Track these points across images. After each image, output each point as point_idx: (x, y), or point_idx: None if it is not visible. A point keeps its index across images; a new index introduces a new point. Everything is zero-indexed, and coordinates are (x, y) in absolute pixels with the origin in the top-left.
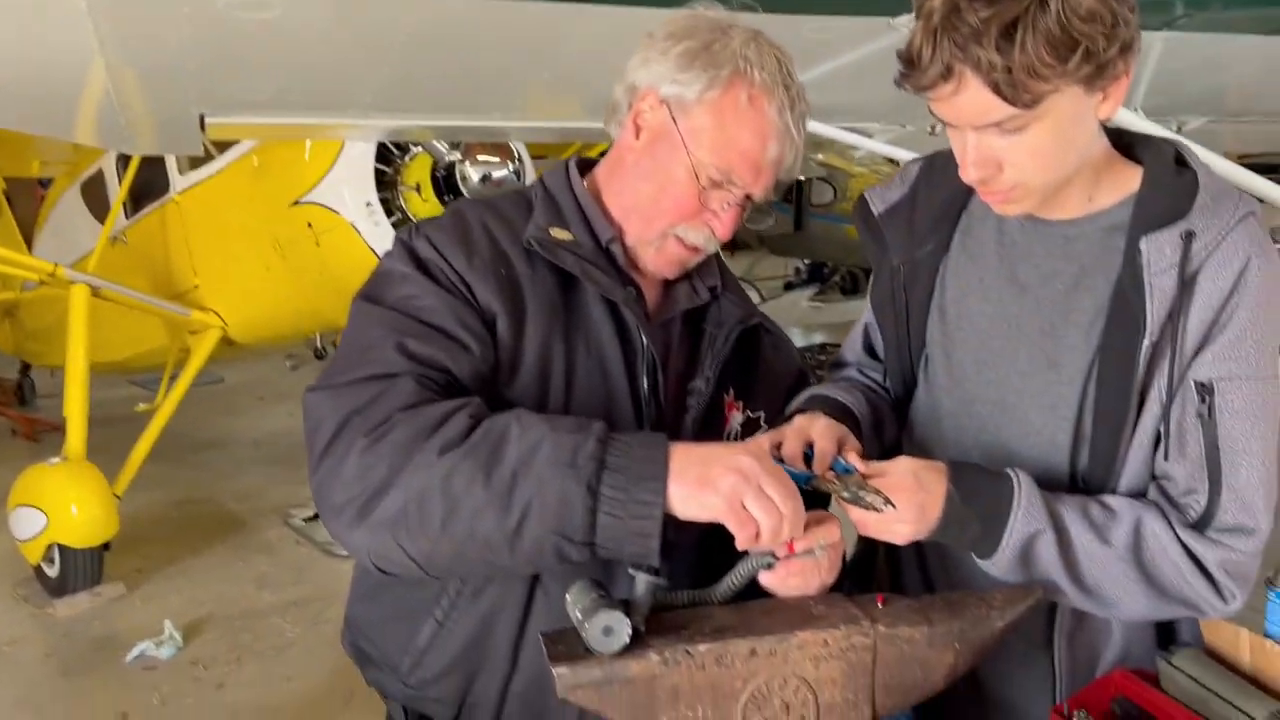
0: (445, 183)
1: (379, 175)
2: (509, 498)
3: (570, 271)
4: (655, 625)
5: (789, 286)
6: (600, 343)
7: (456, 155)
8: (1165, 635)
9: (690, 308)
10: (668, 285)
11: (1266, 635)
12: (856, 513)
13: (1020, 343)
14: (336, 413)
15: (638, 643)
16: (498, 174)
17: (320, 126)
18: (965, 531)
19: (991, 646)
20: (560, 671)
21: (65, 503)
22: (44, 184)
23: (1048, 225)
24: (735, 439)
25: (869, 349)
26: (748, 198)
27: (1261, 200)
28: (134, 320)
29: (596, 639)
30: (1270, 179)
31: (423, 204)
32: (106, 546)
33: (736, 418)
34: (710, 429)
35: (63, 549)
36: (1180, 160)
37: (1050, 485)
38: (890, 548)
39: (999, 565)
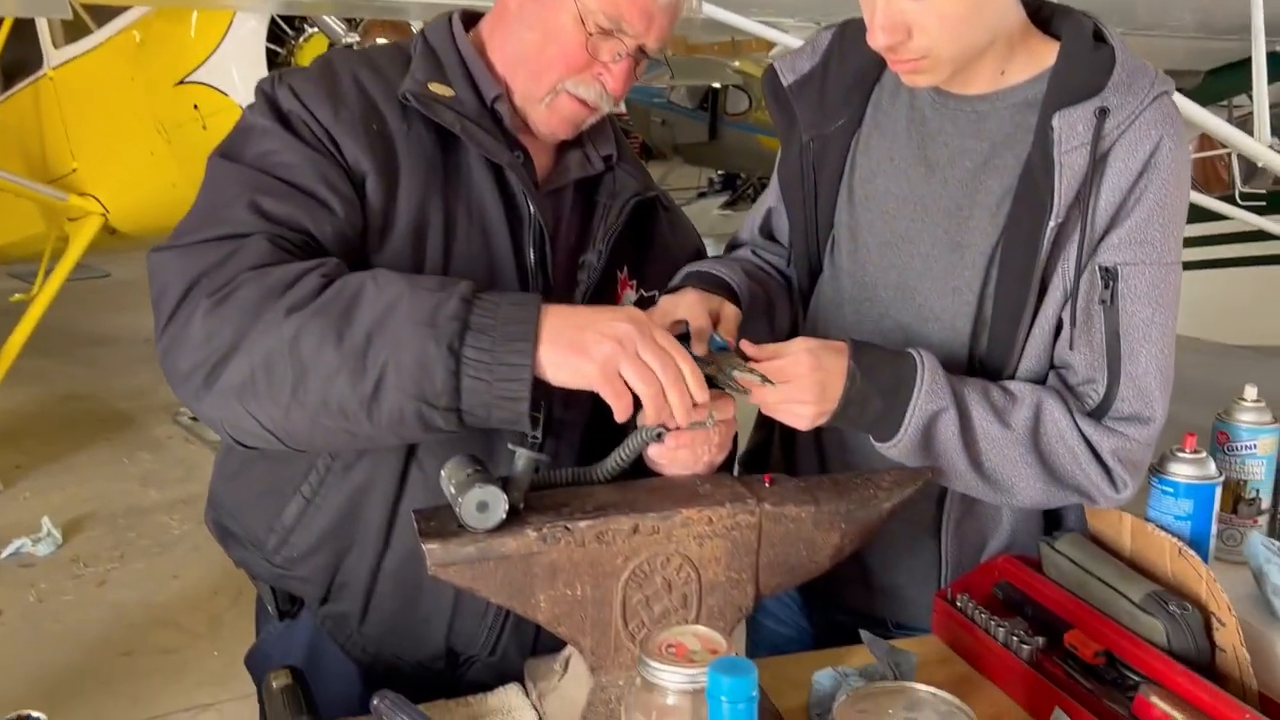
0: None
1: (271, 56)
2: (363, 360)
3: (451, 130)
4: (535, 503)
5: (702, 195)
6: (483, 209)
7: (355, 36)
8: (1052, 524)
9: (583, 177)
10: (559, 152)
11: (1148, 519)
12: (756, 392)
13: (926, 225)
14: (183, 274)
15: (515, 519)
16: None
17: None
18: (867, 411)
19: (878, 528)
20: (431, 548)
21: None
22: None
23: (959, 101)
24: None
25: (767, 232)
26: (640, 49)
27: None
28: (6, 205)
29: (470, 514)
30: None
31: None
32: None
33: (629, 296)
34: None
35: None
36: (1099, 36)
37: (949, 371)
38: (786, 438)
39: (900, 447)
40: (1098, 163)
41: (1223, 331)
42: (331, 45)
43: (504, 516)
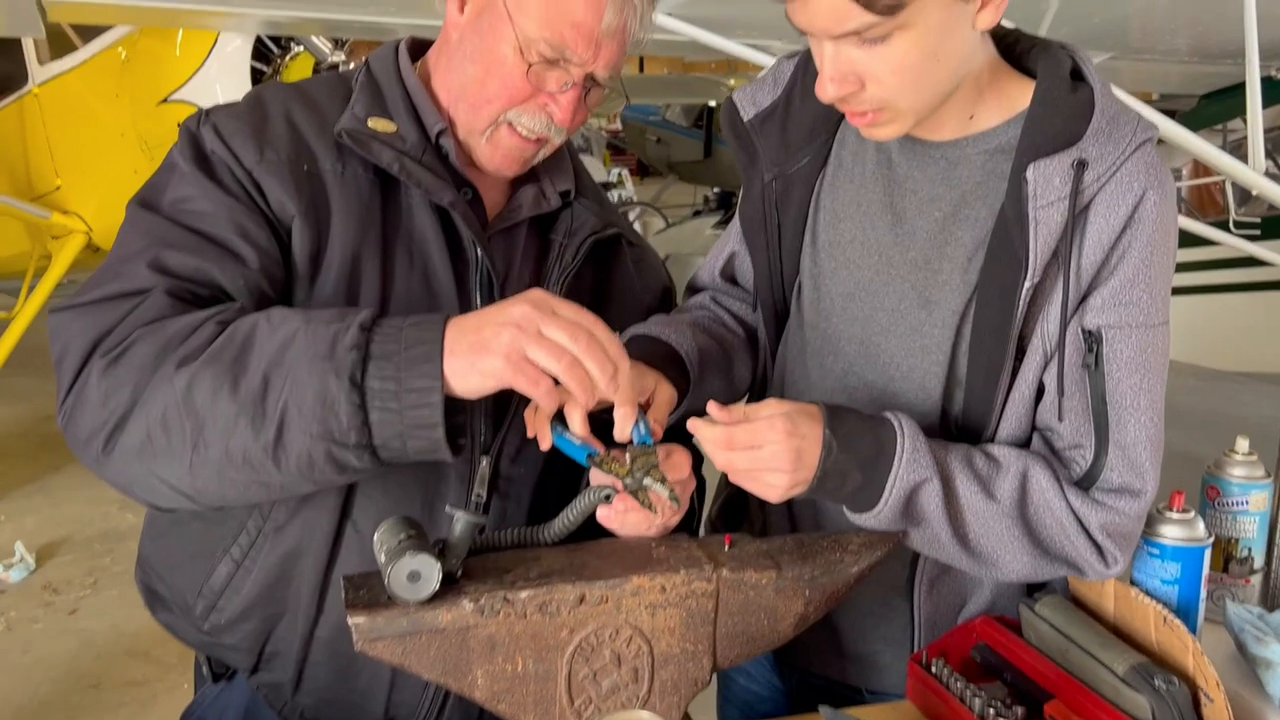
0: None
1: (257, 75)
2: (261, 404)
3: (388, 171)
4: (475, 569)
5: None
6: (426, 252)
7: (340, 56)
8: (1033, 584)
9: (536, 214)
10: (512, 188)
11: (1133, 582)
12: (722, 458)
13: (892, 277)
14: (83, 335)
15: (451, 588)
16: None
17: (183, 12)
18: (846, 483)
19: (845, 594)
20: (357, 621)
21: None
22: None
23: (927, 147)
24: None
25: (729, 276)
26: (590, 77)
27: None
28: None
29: (400, 585)
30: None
31: None
32: None
33: None
34: None
35: None
36: (1077, 74)
37: (926, 435)
38: None
39: (879, 519)
40: (1077, 218)
41: (1214, 357)
42: (318, 64)
43: (437, 587)
